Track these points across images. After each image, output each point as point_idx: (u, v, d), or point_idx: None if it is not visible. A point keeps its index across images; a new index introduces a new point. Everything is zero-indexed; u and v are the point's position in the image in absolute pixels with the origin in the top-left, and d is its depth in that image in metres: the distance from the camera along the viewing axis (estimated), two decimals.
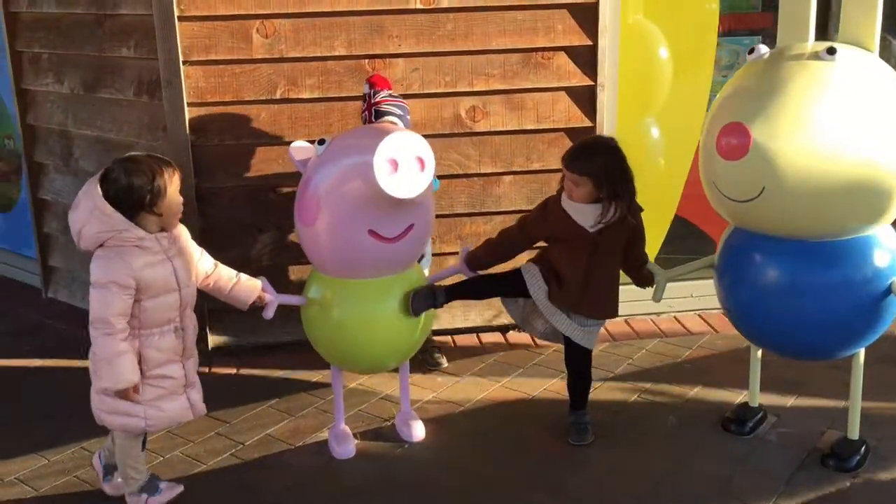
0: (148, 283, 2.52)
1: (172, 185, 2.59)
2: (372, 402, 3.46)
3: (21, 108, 4.36)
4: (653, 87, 4.00)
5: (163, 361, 2.60)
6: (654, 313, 4.14)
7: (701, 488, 2.86)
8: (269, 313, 2.90)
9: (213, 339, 3.89)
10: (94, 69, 3.93)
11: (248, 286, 2.85)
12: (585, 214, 2.91)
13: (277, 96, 3.63)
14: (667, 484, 2.89)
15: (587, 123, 3.79)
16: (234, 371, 3.79)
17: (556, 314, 3.01)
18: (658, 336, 4.01)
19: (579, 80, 3.76)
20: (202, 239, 3.70)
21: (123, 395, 2.52)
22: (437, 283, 3.06)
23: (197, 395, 2.74)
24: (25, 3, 4.13)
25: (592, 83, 3.76)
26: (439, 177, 3.76)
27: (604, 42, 3.71)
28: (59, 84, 4.12)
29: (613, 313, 3.10)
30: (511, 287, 3.07)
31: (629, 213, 2.96)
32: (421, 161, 2.64)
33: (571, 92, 3.78)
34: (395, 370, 3.25)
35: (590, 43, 3.71)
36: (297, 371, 3.71)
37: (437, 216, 3.74)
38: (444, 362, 3.72)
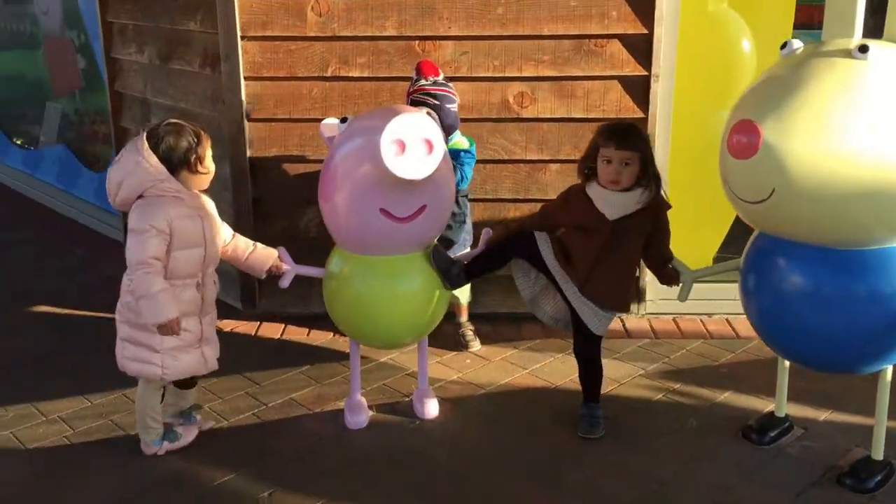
0: (180, 233, 2.72)
1: (209, 151, 2.80)
2: (396, 378, 3.53)
3: (110, 75, 4.66)
4: (716, 80, 3.86)
5: (185, 312, 2.77)
6: (706, 314, 4.02)
7: (699, 495, 2.78)
8: (285, 282, 3.01)
9: (263, 305, 4.06)
10: (167, 41, 4.15)
11: (263, 255, 2.98)
12: (611, 202, 2.87)
13: (329, 74, 3.73)
14: (665, 488, 2.82)
15: (639, 114, 3.71)
16: (277, 336, 3.95)
17: (567, 282, 2.97)
18: (703, 337, 3.90)
19: (633, 69, 3.67)
20: (253, 209, 3.88)
21: (167, 329, 2.71)
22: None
23: (210, 351, 2.90)
24: None
25: (647, 73, 3.67)
26: (485, 161, 3.79)
27: (660, 31, 3.61)
28: (140, 54, 4.37)
29: (617, 307, 3.05)
30: (522, 247, 3.03)
31: (655, 206, 2.90)
32: (429, 143, 2.66)
33: (624, 81, 3.70)
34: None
35: (645, 31, 3.62)
36: (335, 342, 3.83)
37: (481, 200, 3.81)
38: (476, 345, 3.75)
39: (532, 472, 2.91)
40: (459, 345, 3.75)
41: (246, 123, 3.79)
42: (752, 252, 2.82)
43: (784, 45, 2.63)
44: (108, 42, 4.60)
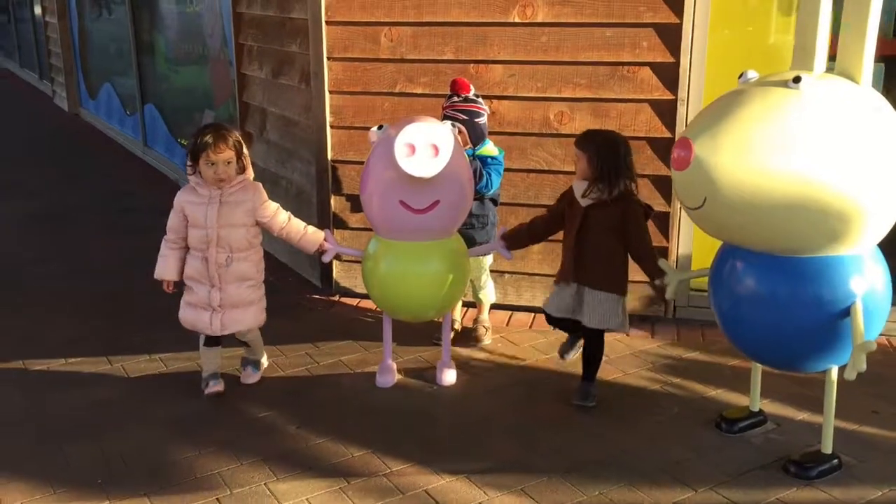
0: (189, 216, 3.49)
1: (219, 154, 3.40)
2: (432, 351, 4.08)
3: (239, 88, 5.54)
4: None
5: (193, 277, 3.54)
6: None
7: (656, 465, 3.16)
8: (326, 258, 3.69)
9: (337, 284, 4.76)
10: (278, 60, 4.96)
11: (312, 237, 3.65)
12: (578, 189, 3.44)
13: (397, 90, 4.38)
14: (629, 456, 3.23)
15: (667, 135, 4.10)
16: (346, 311, 4.63)
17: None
18: (723, 343, 4.19)
19: (661, 94, 4.08)
20: (335, 204, 4.58)
21: (163, 285, 3.55)
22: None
23: (218, 319, 3.55)
24: (245, 5, 5.27)
25: (674, 97, 4.06)
26: (528, 171, 4.31)
27: (685, 60, 3.99)
28: (260, 70, 5.21)
29: (609, 287, 3.46)
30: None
31: (623, 201, 3.38)
32: (435, 147, 3.24)
33: (654, 104, 4.11)
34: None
35: (672, 60, 4.02)
36: None
37: (524, 205, 4.32)
38: (487, 340, 4.17)
39: (516, 433, 3.40)
40: (471, 339, 4.18)
41: (329, 130, 4.51)
42: (717, 256, 3.19)
43: (741, 75, 3.00)
44: (239, 60, 5.49)
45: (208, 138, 3.39)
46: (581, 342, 3.72)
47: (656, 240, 4.20)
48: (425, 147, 3.24)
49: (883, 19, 4.29)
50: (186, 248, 3.54)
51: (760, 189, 2.72)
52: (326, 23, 4.37)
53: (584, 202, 3.43)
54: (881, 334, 4.05)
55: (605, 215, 3.41)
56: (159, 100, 8.38)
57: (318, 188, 4.61)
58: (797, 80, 2.77)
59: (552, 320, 3.65)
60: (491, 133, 4.16)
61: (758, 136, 2.71)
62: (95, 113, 10.66)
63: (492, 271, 4.27)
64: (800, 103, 2.74)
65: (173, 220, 3.52)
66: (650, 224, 4.12)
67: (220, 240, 3.49)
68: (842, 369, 2.85)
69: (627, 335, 4.13)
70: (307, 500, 2.97)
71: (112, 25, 9.73)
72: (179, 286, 3.62)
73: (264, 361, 3.90)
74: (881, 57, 4.28)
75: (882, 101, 2.87)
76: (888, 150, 2.76)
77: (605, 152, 3.35)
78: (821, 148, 2.69)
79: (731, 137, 2.73)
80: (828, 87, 2.81)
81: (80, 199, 7.13)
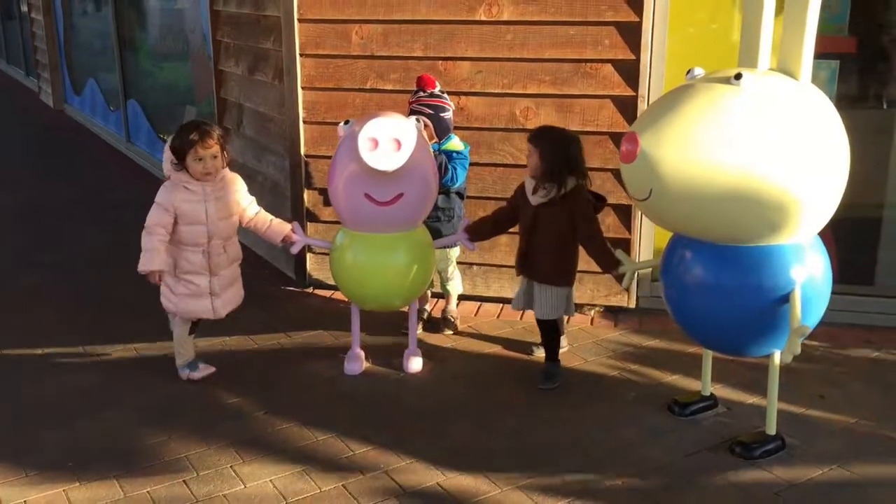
0: (183, 213, 3.55)
1: (208, 149, 3.51)
2: (404, 339, 4.20)
3: (217, 84, 5.64)
4: None
5: (191, 270, 3.62)
6: None
7: (608, 447, 3.29)
8: (294, 249, 3.80)
9: (311, 276, 4.87)
10: (254, 56, 5.06)
11: (277, 228, 3.77)
12: (529, 186, 3.55)
13: (368, 86, 4.50)
14: (583, 438, 3.35)
15: (628, 130, 4.21)
16: (319, 301, 4.75)
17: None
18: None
19: (623, 90, 4.20)
20: (307, 198, 4.70)
21: (150, 277, 3.57)
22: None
23: (220, 303, 3.71)
24: (222, 3, 5.38)
25: (634, 94, 4.18)
26: (495, 165, 4.43)
27: (646, 57, 4.12)
28: (237, 67, 5.32)
29: (557, 281, 3.61)
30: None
31: (572, 199, 3.49)
32: (397, 142, 3.36)
33: (616, 100, 4.23)
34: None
35: (633, 58, 4.14)
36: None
37: (492, 198, 4.44)
38: (453, 329, 4.29)
39: (477, 417, 3.52)
40: (439, 328, 4.31)
41: (301, 125, 4.62)
42: (667, 246, 3.32)
43: (689, 72, 3.13)
44: (216, 56, 5.59)
45: (194, 136, 3.50)
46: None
47: (618, 232, 4.35)
48: (388, 141, 3.35)
49: (838, 19, 4.47)
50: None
51: (702, 181, 2.85)
52: (299, 20, 4.47)
53: (534, 200, 3.55)
54: (827, 322, 4.25)
55: (554, 214, 3.53)
56: (142, 95, 8.47)
57: (291, 182, 4.72)
58: (738, 76, 2.89)
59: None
60: (459, 128, 4.29)
61: (699, 131, 2.84)
62: (80, 109, 10.74)
63: (460, 263, 4.39)
64: (740, 99, 2.86)
65: (162, 218, 3.54)
66: (614, 218, 4.27)
67: (218, 232, 3.62)
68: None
69: (570, 318, 4.25)
70: (271, 481, 3.09)
71: (96, 21, 9.82)
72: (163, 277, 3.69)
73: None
74: (835, 54, 4.46)
75: (820, 97, 3.00)
76: (824, 143, 2.90)
77: (555, 150, 3.47)
78: (759, 142, 2.81)
79: (674, 131, 2.86)
80: (768, 84, 2.93)
81: (64, 193, 7.22)
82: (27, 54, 13.49)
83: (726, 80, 2.93)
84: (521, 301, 3.78)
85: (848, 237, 4.49)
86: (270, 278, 5.08)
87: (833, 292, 4.30)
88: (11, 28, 14.79)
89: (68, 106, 11.30)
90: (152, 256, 3.55)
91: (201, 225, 3.58)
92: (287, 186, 4.77)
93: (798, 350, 2.82)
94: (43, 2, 11.07)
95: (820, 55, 4.36)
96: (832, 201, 3.01)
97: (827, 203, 2.98)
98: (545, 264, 3.61)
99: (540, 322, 3.75)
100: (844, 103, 4.35)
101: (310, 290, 4.88)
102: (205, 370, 3.80)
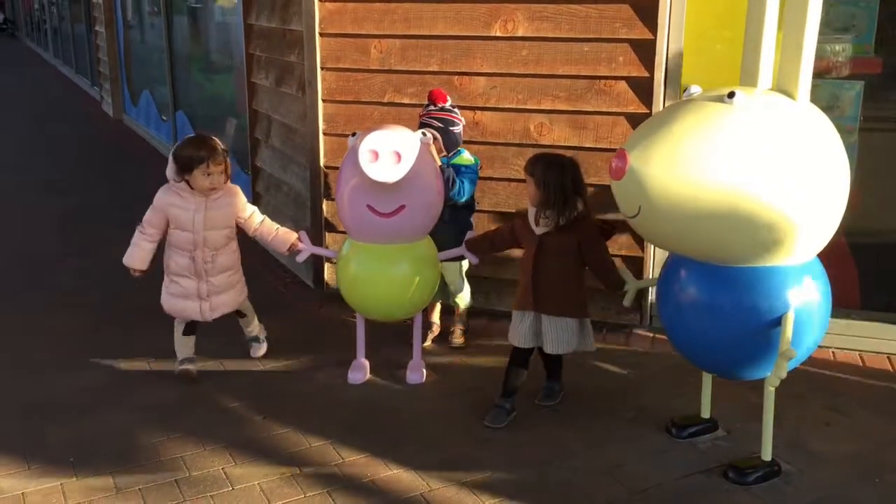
0: (173, 217, 3.70)
1: (218, 166, 3.64)
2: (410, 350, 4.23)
3: (249, 96, 5.78)
4: None
5: (178, 272, 3.77)
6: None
7: (597, 467, 3.26)
8: (300, 258, 3.87)
9: (330, 286, 4.94)
10: (280, 69, 5.18)
11: (283, 237, 3.84)
12: (531, 215, 3.47)
13: (385, 100, 4.56)
14: (573, 457, 3.32)
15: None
16: (337, 311, 4.77)
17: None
18: None
19: (636, 107, 4.17)
20: (326, 208, 4.77)
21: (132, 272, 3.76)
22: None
23: (207, 306, 3.81)
24: (254, 17, 5.52)
25: (648, 111, 4.14)
26: (509, 179, 4.44)
27: (659, 75, 4.08)
28: (266, 79, 5.44)
29: (571, 312, 3.50)
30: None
31: (578, 226, 3.42)
32: (398, 154, 3.40)
33: (629, 117, 4.20)
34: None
35: (647, 75, 4.11)
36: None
37: (505, 213, 4.45)
38: (460, 341, 4.30)
39: (471, 431, 3.52)
40: (446, 341, 4.32)
41: (322, 137, 4.70)
42: (664, 264, 3.28)
43: (686, 90, 3.10)
44: (249, 69, 5.73)
45: (203, 152, 3.61)
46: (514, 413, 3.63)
47: (631, 249, 4.31)
48: (388, 154, 3.40)
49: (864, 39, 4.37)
50: (158, 241, 3.77)
51: (690, 199, 2.81)
52: (320, 35, 4.57)
53: (538, 230, 3.46)
54: (851, 348, 4.14)
55: (560, 242, 3.43)
56: (189, 107, 8.71)
57: (311, 193, 4.81)
58: (731, 95, 2.86)
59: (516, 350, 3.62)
60: (474, 142, 4.32)
61: (688, 149, 2.81)
62: (136, 119, 11.09)
63: (473, 276, 4.40)
64: (731, 118, 2.83)
65: (153, 217, 3.72)
66: (627, 236, 4.22)
67: (206, 241, 3.73)
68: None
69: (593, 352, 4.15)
70: (258, 484, 3.14)
71: (151, 35, 10.14)
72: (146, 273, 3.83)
73: (262, 333, 4.16)
74: (861, 75, 4.36)
75: (818, 116, 2.95)
76: (819, 163, 2.84)
77: (551, 178, 3.36)
78: (750, 161, 2.77)
79: (663, 149, 2.83)
80: (762, 103, 2.89)
81: (110, 199, 7.46)
82: (91, 65, 13.99)
83: (720, 99, 2.90)
84: (528, 338, 3.57)
85: (872, 262, 4.37)
86: (290, 286, 5.16)
87: (858, 319, 4.21)
88: (80, 39, 15.36)
89: (126, 116, 11.66)
90: (132, 252, 3.74)
91: (188, 232, 3.70)
92: (308, 196, 4.85)
93: (784, 374, 2.76)
94: (106, 15, 11.48)
95: (846, 77, 4.32)
96: (830, 223, 2.95)
97: (824, 225, 2.92)
98: (554, 294, 3.47)
99: (547, 356, 3.66)
100: (870, 124, 4.27)
101: (326, 298, 4.94)
102: (186, 366, 3.90)
